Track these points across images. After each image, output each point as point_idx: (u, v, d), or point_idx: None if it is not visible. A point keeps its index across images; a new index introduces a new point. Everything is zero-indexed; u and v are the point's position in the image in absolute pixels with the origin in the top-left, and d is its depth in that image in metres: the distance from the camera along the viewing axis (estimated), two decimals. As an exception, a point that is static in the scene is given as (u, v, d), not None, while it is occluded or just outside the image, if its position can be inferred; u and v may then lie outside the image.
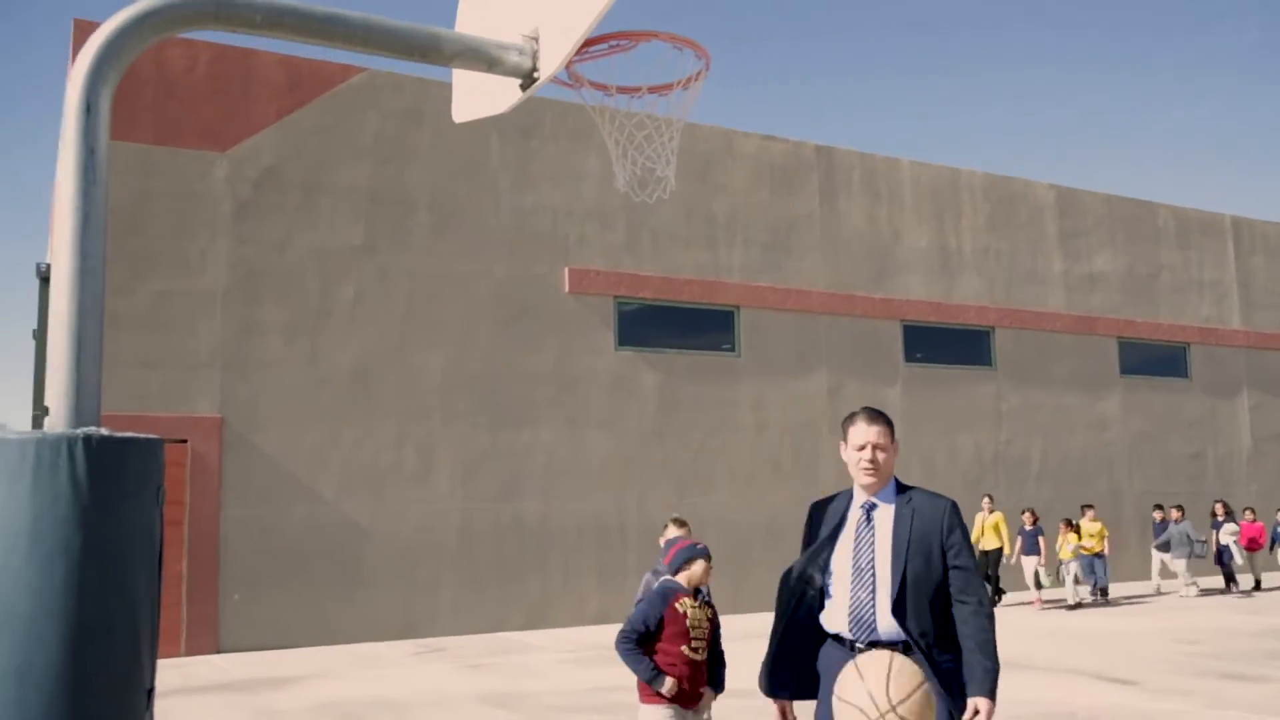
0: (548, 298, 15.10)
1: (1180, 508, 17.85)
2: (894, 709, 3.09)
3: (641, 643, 4.92)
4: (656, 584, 5.13)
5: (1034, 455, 19.02)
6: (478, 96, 5.19)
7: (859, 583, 3.72)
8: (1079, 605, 16.01)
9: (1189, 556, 17.28)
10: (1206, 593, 17.58)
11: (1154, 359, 20.99)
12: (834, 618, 3.78)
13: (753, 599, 15.66)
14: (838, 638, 3.75)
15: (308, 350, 13.54)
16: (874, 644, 3.61)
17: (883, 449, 3.83)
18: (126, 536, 3.49)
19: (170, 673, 10.78)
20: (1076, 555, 16.39)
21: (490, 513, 14.33)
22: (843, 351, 17.42)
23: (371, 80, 14.39)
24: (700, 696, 5.01)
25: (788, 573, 3.98)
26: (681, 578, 5.09)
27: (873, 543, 3.76)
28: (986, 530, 16.30)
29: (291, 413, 13.34)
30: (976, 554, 16.61)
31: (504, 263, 14.86)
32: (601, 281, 15.44)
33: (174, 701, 9.37)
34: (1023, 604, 16.32)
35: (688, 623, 5.02)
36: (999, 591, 16.35)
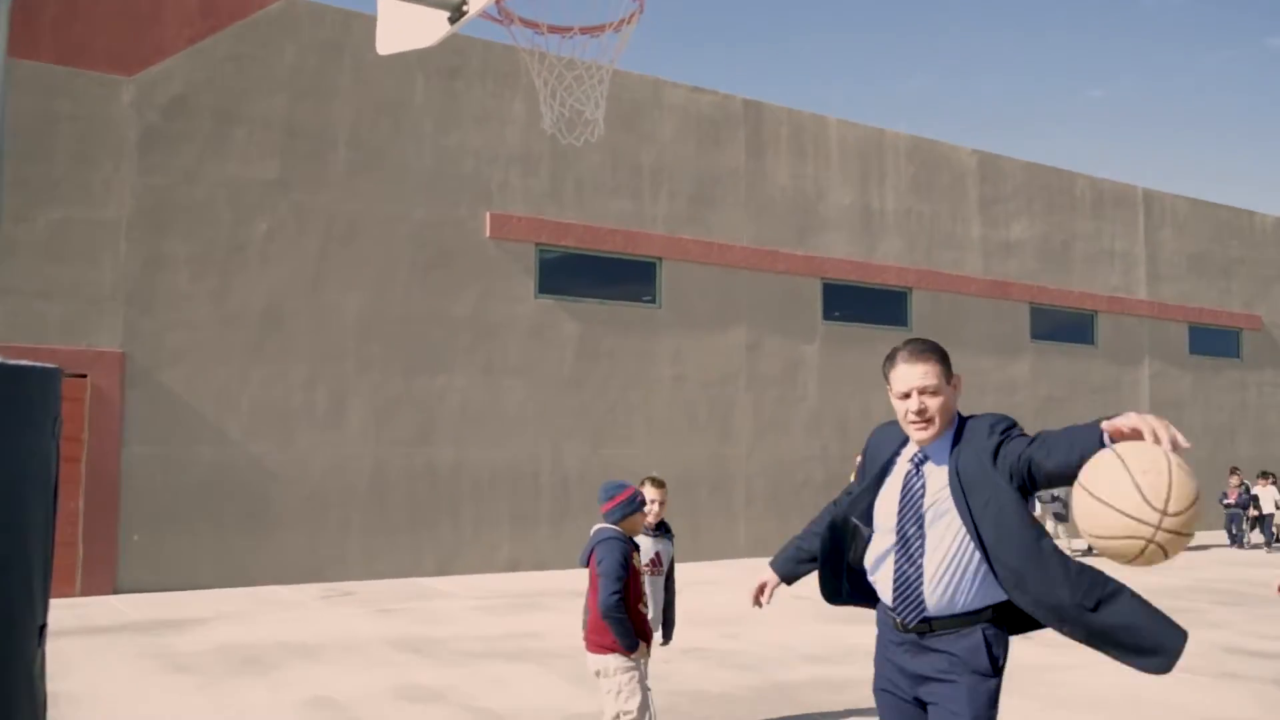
0: (468, 242, 14.86)
1: None
2: (1167, 517, 2.37)
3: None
4: (602, 538, 4.97)
5: (944, 416, 19.39)
6: (404, 28, 5.00)
7: (904, 555, 3.08)
8: None
9: (1059, 519, 17.71)
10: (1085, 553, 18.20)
11: (1063, 325, 21.54)
12: (880, 585, 3.22)
13: (665, 550, 15.78)
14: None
15: (217, 286, 13.13)
16: (925, 620, 3.07)
17: (933, 393, 3.02)
18: (20, 467, 3.32)
19: (64, 613, 10.48)
20: None
21: (403, 458, 14.15)
22: (763, 307, 17.51)
23: (290, 9, 13.88)
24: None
25: (834, 511, 3.38)
26: (624, 528, 5.00)
27: (920, 505, 3.05)
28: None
29: (199, 350, 12.95)
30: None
31: (424, 205, 14.56)
32: (523, 228, 15.24)
33: (68, 642, 9.12)
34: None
35: (640, 578, 5.03)
36: None
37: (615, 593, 4.73)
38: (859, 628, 10.37)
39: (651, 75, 16.76)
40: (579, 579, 15.25)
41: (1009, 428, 2.98)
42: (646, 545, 5.65)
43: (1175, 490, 2.39)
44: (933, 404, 3.01)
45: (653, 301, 16.50)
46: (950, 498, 3.00)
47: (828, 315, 18.29)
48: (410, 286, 14.35)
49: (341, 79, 14.10)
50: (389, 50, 5.09)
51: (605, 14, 4.87)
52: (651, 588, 5.57)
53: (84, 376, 12.13)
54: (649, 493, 5.74)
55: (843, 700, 7.26)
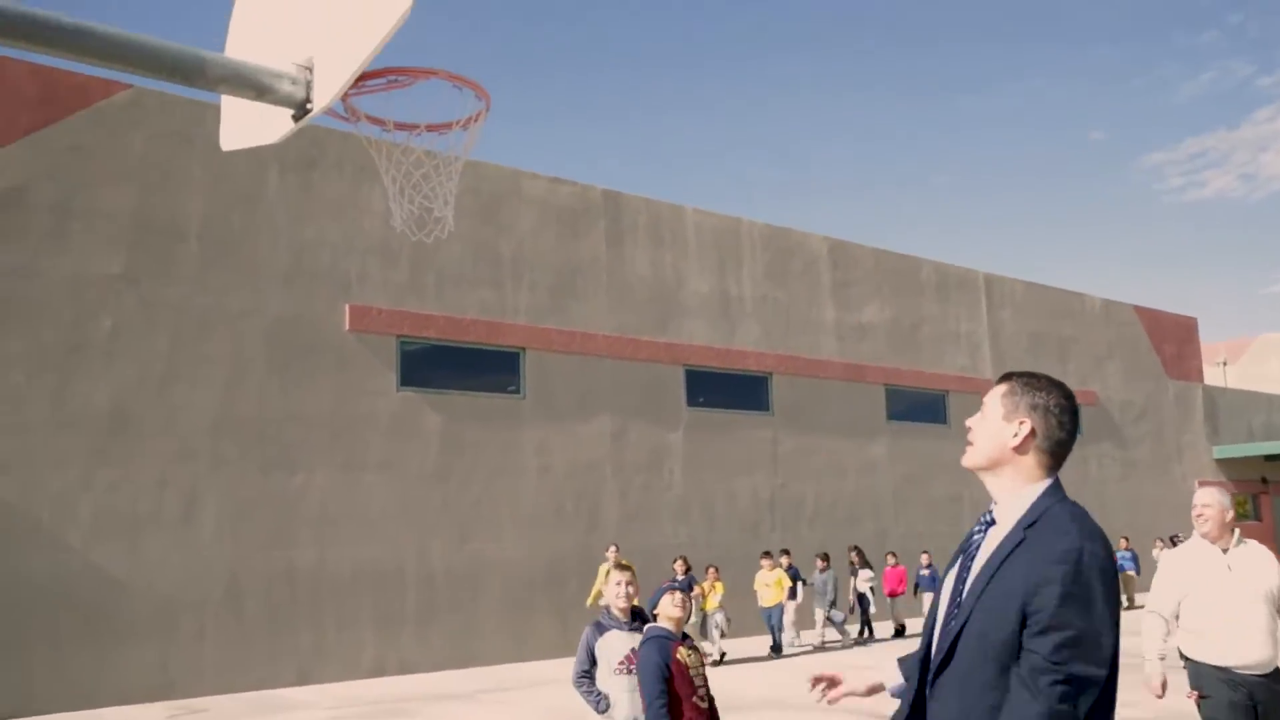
0: (327, 336, 14.56)
1: (825, 556, 17.37)
2: None
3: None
4: (646, 638, 4.71)
5: (808, 498, 19.74)
6: (247, 124, 4.93)
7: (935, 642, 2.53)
8: (722, 660, 14.86)
9: (829, 607, 16.98)
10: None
11: (917, 405, 22.28)
12: None
13: (536, 646, 15.47)
14: None
15: (55, 386, 12.48)
16: None
17: (981, 415, 2.62)
18: None
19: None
20: (722, 606, 15.25)
21: (260, 561, 13.57)
22: (627, 395, 17.60)
23: (138, 98, 13.55)
24: None
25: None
26: (664, 623, 4.76)
27: (964, 579, 2.48)
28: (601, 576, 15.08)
29: (33, 454, 12.23)
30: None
31: (280, 298, 14.23)
32: (383, 320, 15.04)
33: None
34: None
35: (690, 673, 4.70)
36: None
37: (655, 699, 4.49)
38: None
39: (510, 166, 16.93)
40: (446, 682, 14.78)
41: (1069, 571, 2.27)
42: (624, 639, 5.00)
43: None
44: (974, 422, 2.62)
45: (516, 392, 16.41)
46: (976, 576, 2.43)
47: (691, 401, 18.50)
48: (266, 382, 13.94)
49: (192, 170, 13.78)
50: (233, 147, 5.01)
51: (452, 111, 4.91)
52: (629, 686, 4.89)
53: (-96, 487, 11.30)
54: (615, 575, 5.08)
55: None
